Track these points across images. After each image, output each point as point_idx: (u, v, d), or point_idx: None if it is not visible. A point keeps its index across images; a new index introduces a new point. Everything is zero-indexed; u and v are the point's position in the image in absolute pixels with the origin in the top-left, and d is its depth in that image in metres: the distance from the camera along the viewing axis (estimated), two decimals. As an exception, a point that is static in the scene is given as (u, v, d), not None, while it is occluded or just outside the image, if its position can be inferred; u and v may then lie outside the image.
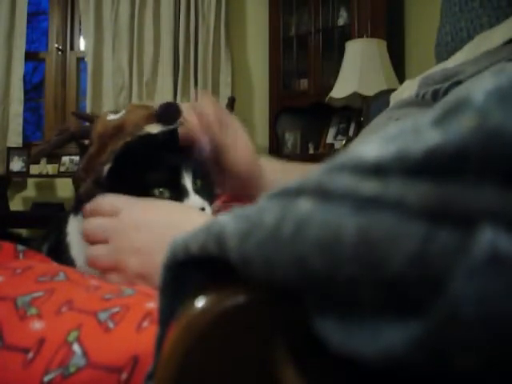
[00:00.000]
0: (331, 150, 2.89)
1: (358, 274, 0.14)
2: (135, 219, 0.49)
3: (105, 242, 0.50)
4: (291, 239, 0.15)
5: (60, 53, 3.65)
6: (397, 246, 0.13)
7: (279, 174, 0.68)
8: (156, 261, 0.43)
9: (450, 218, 0.13)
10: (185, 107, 0.59)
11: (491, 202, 0.13)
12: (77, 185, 0.57)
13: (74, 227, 0.55)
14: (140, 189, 0.51)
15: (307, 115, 3.24)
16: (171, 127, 0.55)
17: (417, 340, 0.13)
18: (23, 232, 3.32)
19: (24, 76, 3.43)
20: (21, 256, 0.50)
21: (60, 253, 0.55)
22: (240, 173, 0.62)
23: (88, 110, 3.39)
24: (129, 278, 0.48)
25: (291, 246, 0.15)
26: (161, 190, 0.51)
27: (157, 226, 0.49)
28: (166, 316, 0.20)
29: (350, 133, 2.96)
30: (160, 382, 0.18)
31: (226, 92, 3.38)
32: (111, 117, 0.57)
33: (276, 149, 3.23)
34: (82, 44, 3.67)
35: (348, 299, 0.15)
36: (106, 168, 0.52)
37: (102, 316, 0.37)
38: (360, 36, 2.78)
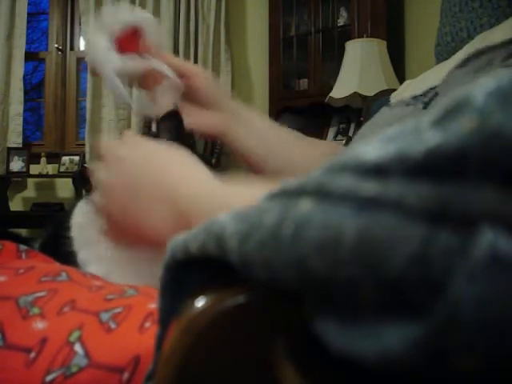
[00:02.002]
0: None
1: (358, 275, 0.14)
2: (131, 172, 0.45)
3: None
4: (291, 240, 0.15)
5: (60, 53, 3.65)
6: (397, 247, 0.13)
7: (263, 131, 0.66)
8: (131, 220, 0.42)
9: (449, 219, 0.13)
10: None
11: (491, 203, 0.13)
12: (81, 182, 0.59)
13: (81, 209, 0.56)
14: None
15: (307, 115, 3.23)
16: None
17: (417, 341, 0.13)
18: (23, 232, 3.32)
19: (24, 76, 3.43)
20: (23, 256, 0.50)
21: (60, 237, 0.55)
22: (208, 97, 0.62)
23: (88, 109, 3.39)
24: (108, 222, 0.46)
25: (291, 247, 0.15)
26: None
27: (147, 185, 0.44)
28: (166, 316, 0.20)
29: (350, 133, 2.95)
30: (160, 382, 0.18)
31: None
32: None
33: (276, 149, 3.23)
34: (82, 44, 3.67)
35: (348, 300, 0.15)
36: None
37: (104, 316, 0.37)
38: (360, 36, 2.77)
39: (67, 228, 0.56)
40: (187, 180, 0.42)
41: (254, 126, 0.65)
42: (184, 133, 0.56)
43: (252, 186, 0.38)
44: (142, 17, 0.65)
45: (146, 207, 0.42)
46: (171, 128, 0.55)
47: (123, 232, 0.45)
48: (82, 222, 0.54)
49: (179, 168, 0.44)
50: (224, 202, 0.37)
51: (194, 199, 0.39)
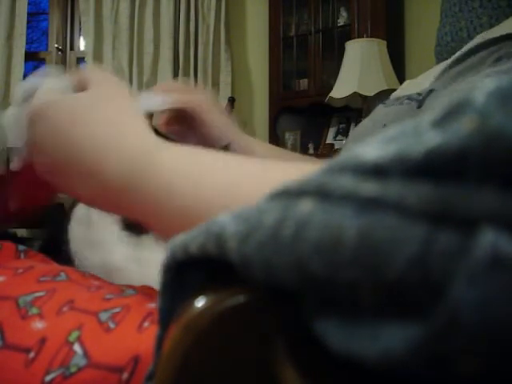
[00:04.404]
0: (331, 150, 2.89)
1: (358, 276, 0.14)
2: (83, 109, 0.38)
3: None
4: (291, 241, 0.15)
5: (60, 53, 3.65)
6: (397, 248, 0.13)
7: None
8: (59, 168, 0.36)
9: (450, 220, 0.13)
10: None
11: (492, 203, 0.13)
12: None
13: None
14: None
15: (307, 115, 3.24)
16: None
17: (417, 343, 0.13)
18: (23, 232, 3.32)
19: (24, 76, 3.43)
20: (22, 256, 0.50)
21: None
22: (221, 133, 0.58)
23: (88, 109, 3.39)
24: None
25: (291, 248, 0.15)
26: None
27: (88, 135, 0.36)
28: (166, 316, 0.20)
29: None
30: (160, 382, 0.18)
31: (225, 92, 3.37)
32: None
33: (276, 149, 3.23)
34: (81, 44, 3.67)
35: (348, 301, 0.15)
36: None
37: (103, 316, 0.37)
38: (360, 36, 2.78)
39: (67, 229, 0.56)
40: (114, 148, 0.35)
41: (253, 154, 0.63)
42: None
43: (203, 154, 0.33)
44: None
45: (69, 182, 0.36)
46: None
47: (41, 158, 0.38)
48: (83, 222, 0.54)
49: (104, 130, 0.36)
50: (158, 174, 0.32)
51: (123, 175, 0.33)
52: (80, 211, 0.57)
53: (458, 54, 0.60)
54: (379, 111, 0.68)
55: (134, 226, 0.55)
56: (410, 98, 0.60)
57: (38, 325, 0.36)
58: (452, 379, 0.13)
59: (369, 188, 0.14)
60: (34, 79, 0.46)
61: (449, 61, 0.62)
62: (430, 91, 0.54)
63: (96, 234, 0.55)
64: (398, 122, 0.16)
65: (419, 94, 0.59)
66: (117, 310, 0.37)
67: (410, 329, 0.13)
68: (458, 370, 0.13)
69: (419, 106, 0.56)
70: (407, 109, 0.58)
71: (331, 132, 3.15)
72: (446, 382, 0.14)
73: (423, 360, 0.13)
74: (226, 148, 0.58)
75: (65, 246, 0.56)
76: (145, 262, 0.56)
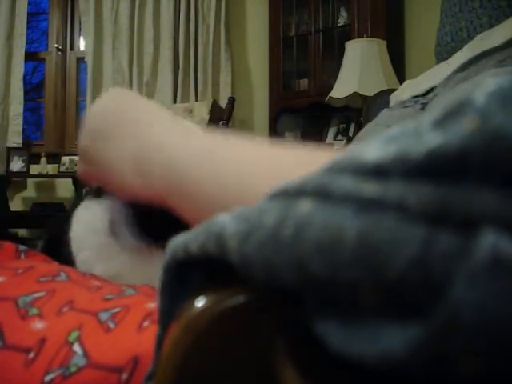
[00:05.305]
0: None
1: (358, 276, 0.14)
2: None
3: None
4: (291, 241, 0.15)
5: (60, 53, 3.65)
6: (397, 248, 0.13)
7: None
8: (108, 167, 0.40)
9: (450, 221, 0.13)
10: None
11: (492, 204, 0.13)
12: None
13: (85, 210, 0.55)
14: None
15: (307, 115, 3.24)
16: None
17: (417, 343, 0.13)
18: (23, 232, 3.32)
19: (24, 76, 3.43)
20: (22, 256, 0.50)
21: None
22: None
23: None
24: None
25: (291, 248, 0.15)
26: None
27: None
28: (166, 316, 0.20)
29: (350, 133, 2.96)
30: (160, 382, 0.18)
31: (225, 92, 3.38)
32: None
33: (276, 149, 3.23)
34: (81, 44, 3.67)
35: (348, 302, 0.15)
36: None
37: (103, 316, 0.37)
38: (360, 36, 2.78)
39: (69, 229, 0.56)
40: (156, 117, 0.39)
41: None
42: None
43: (239, 143, 0.34)
44: None
45: (114, 142, 0.39)
46: None
47: (92, 165, 0.43)
48: (86, 222, 0.54)
49: (154, 110, 0.40)
50: (200, 147, 0.34)
51: (166, 138, 0.36)
52: (83, 210, 0.57)
53: (461, 55, 0.60)
54: (383, 114, 0.69)
55: (99, 192, 0.54)
56: (414, 101, 0.60)
57: (38, 325, 0.36)
58: (452, 379, 0.13)
59: (369, 188, 0.14)
60: None
61: (451, 63, 0.62)
62: (435, 95, 0.54)
63: (101, 236, 0.55)
64: (401, 123, 0.16)
65: (423, 97, 0.59)
66: (117, 310, 0.37)
67: (410, 329, 0.13)
68: (457, 370, 0.13)
69: (423, 109, 0.57)
70: (411, 111, 0.59)
71: (331, 132, 3.15)
72: (446, 382, 0.14)
73: (423, 360, 0.13)
74: None
75: (66, 246, 0.56)
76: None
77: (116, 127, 0.40)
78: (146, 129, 0.38)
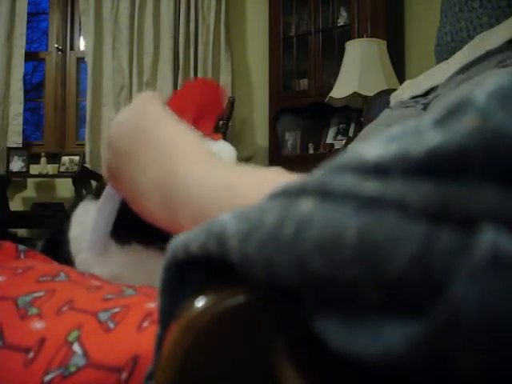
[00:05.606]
0: (331, 150, 2.89)
1: (359, 274, 0.14)
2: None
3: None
4: (292, 239, 0.15)
5: (60, 53, 3.65)
6: (398, 246, 0.13)
7: None
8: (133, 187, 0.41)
9: (451, 219, 0.13)
10: None
11: (492, 202, 0.13)
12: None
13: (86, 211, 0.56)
14: None
15: (307, 115, 3.24)
16: None
17: (417, 341, 0.13)
18: (23, 232, 3.32)
19: (24, 76, 3.43)
20: (22, 256, 0.50)
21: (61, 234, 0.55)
22: None
23: (88, 110, 3.40)
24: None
25: (292, 247, 0.15)
26: None
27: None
28: (166, 316, 0.20)
29: (350, 133, 2.96)
30: (160, 382, 0.18)
31: (226, 92, 3.37)
32: None
33: (276, 149, 3.23)
34: (81, 44, 3.67)
35: (349, 300, 0.15)
36: None
37: (103, 316, 0.37)
38: (360, 36, 2.78)
39: (69, 229, 0.56)
40: (187, 149, 0.40)
41: None
42: None
43: (256, 175, 0.36)
44: None
45: (141, 165, 0.40)
46: None
47: (118, 185, 0.44)
48: (85, 223, 0.54)
49: (180, 135, 0.42)
50: (222, 185, 0.35)
51: (192, 172, 0.37)
52: (83, 211, 0.57)
53: (461, 55, 0.60)
54: (384, 114, 0.69)
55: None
56: (415, 101, 0.60)
57: (38, 325, 0.36)
58: (452, 376, 0.13)
59: (370, 187, 0.14)
60: None
61: (451, 63, 0.62)
62: (436, 96, 0.54)
63: (100, 236, 0.55)
64: (402, 123, 0.16)
65: (424, 97, 0.59)
66: (116, 309, 0.37)
67: (411, 326, 0.13)
68: (458, 366, 0.13)
69: (424, 109, 0.57)
70: (412, 111, 0.59)
71: (331, 132, 3.15)
72: (446, 379, 0.14)
73: (423, 357, 0.13)
74: (247, 159, 0.56)
75: (66, 246, 0.56)
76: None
77: (140, 149, 0.41)
78: (171, 161, 0.39)
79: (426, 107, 0.61)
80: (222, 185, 0.35)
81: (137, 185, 0.41)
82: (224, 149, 0.52)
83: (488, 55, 0.54)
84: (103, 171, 0.47)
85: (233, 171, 0.37)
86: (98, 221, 0.51)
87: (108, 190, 0.49)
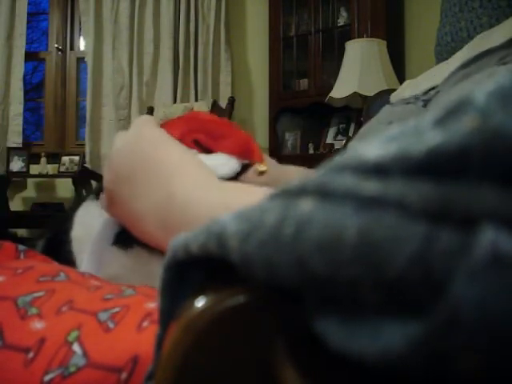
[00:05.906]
0: (331, 150, 2.89)
1: (359, 274, 0.14)
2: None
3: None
4: (292, 239, 0.15)
5: (60, 53, 3.65)
6: (398, 246, 0.13)
7: None
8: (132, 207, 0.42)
9: (451, 219, 0.13)
10: None
11: (492, 202, 0.13)
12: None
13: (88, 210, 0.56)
14: None
15: (307, 115, 3.24)
16: None
17: (417, 341, 0.13)
18: (23, 232, 3.32)
19: (24, 76, 3.44)
20: (22, 256, 0.50)
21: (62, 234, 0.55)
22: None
23: (88, 109, 3.40)
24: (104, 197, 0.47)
25: (292, 246, 0.15)
26: None
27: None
28: (166, 316, 0.20)
29: (350, 133, 2.96)
30: (160, 382, 0.18)
31: (226, 92, 3.38)
32: None
33: (276, 149, 3.24)
34: (81, 44, 3.67)
35: (349, 300, 0.15)
36: None
37: (103, 316, 0.37)
38: (360, 36, 2.78)
39: (71, 229, 0.56)
40: (185, 170, 0.41)
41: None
42: None
43: (252, 191, 0.37)
44: None
45: (139, 190, 0.42)
46: None
47: (116, 210, 0.46)
48: (87, 223, 0.54)
49: (178, 156, 0.43)
50: (220, 203, 0.36)
51: (190, 192, 0.38)
52: (85, 211, 0.57)
53: (461, 55, 0.60)
54: (385, 110, 0.69)
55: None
56: (416, 97, 0.60)
57: (38, 325, 0.36)
58: (452, 376, 0.13)
59: (370, 187, 0.14)
60: None
61: (451, 63, 0.62)
62: (437, 92, 0.54)
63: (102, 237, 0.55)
64: (403, 121, 0.16)
65: (424, 94, 0.59)
66: (116, 309, 0.37)
67: (411, 326, 0.13)
68: (458, 367, 0.13)
69: (425, 106, 0.57)
70: (413, 108, 0.59)
71: (331, 132, 3.15)
72: (446, 379, 0.14)
73: (423, 357, 0.13)
74: (246, 167, 0.55)
75: (66, 246, 0.56)
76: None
77: (138, 173, 0.42)
78: (169, 183, 0.40)
79: (426, 104, 0.61)
80: (221, 203, 0.36)
81: (136, 209, 0.42)
82: (221, 161, 0.52)
83: (489, 52, 0.54)
84: (101, 201, 0.48)
85: (230, 189, 0.38)
86: (100, 221, 0.51)
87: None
